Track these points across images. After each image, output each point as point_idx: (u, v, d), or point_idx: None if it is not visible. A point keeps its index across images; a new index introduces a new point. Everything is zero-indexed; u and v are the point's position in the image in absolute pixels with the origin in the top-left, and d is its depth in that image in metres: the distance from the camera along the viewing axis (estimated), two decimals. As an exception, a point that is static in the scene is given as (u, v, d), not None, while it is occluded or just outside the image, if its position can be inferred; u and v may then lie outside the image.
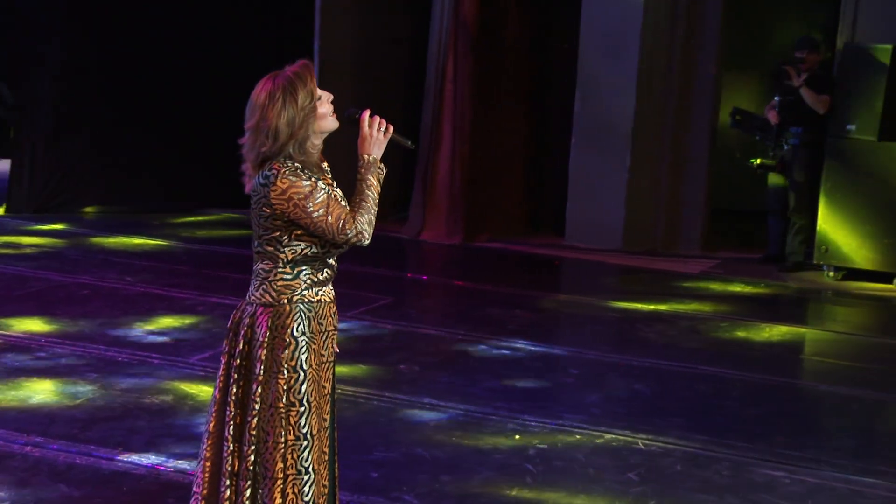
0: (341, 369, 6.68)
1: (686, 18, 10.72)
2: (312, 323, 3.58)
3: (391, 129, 3.70)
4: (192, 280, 8.70)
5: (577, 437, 5.88)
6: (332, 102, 3.66)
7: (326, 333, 3.64)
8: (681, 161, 10.92)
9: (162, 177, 11.41)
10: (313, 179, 3.50)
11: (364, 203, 3.57)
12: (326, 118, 3.63)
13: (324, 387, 3.62)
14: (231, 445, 3.56)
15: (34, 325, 7.26)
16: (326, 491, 3.67)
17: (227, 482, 3.56)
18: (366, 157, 3.65)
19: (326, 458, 3.66)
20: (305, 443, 3.52)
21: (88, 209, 11.22)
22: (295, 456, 3.51)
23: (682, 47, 10.73)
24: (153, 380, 6.34)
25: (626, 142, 10.74)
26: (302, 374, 3.52)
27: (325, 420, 3.64)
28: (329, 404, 3.66)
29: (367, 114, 3.68)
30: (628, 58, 10.63)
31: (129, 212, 11.18)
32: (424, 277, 9.58)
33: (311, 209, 3.46)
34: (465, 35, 10.73)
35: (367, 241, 3.57)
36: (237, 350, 3.58)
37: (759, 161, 10.25)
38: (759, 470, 5.56)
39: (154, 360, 6.68)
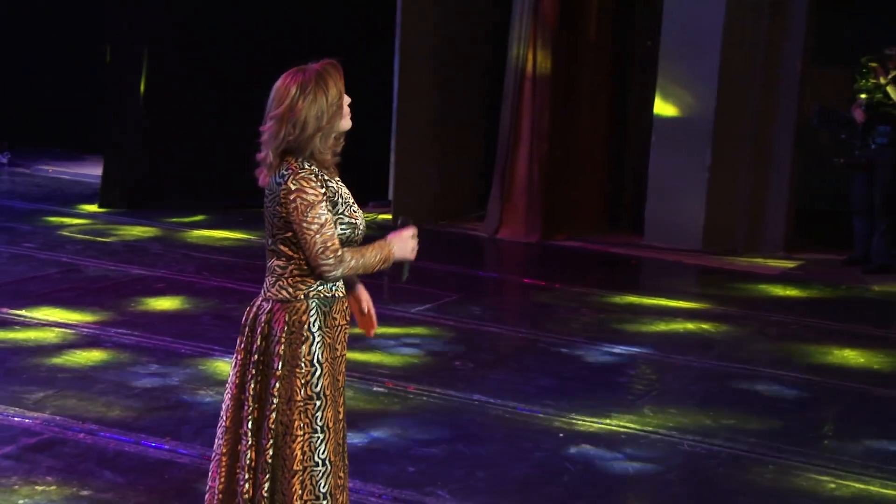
0: (397, 362, 6.83)
1: (770, 13, 10.54)
2: (328, 318, 3.63)
3: (412, 257, 3.74)
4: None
5: (623, 437, 5.86)
6: (349, 105, 3.68)
7: (340, 328, 3.69)
8: (764, 160, 10.74)
9: (249, 172, 11.63)
10: (321, 190, 3.53)
11: (364, 253, 3.60)
12: (346, 117, 3.67)
13: (337, 380, 3.68)
14: (249, 440, 3.62)
15: (105, 316, 7.50)
16: (343, 483, 3.73)
17: (246, 475, 3.62)
18: (391, 243, 3.67)
19: (342, 449, 3.73)
20: (322, 435, 3.58)
21: (179, 204, 11.50)
22: (312, 448, 3.57)
23: (765, 43, 10.55)
24: (211, 372, 6.51)
25: (706, 140, 10.61)
26: (319, 368, 3.59)
27: (339, 413, 3.70)
28: (342, 397, 3.74)
29: (414, 229, 3.74)
30: (710, 54, 10.49)
31: (217, 207, 11.45)
32: (495, 275, 9.61)
33: (308, 221, 3.49)
34: (544, 32, 10.72)
35: (331, 275, 3.56)
36: (254, 346, 3.64)
37: (844, 160, 10.05)
38: (806, 474, 5.48)
39: (215, 352, 6.85)
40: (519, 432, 5.87)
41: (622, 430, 5.94)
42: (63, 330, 7.14)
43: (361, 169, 12.08)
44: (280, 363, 3.58)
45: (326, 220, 3.51)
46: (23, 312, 7.43)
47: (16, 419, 5.61)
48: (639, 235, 11.03)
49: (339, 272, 3.54)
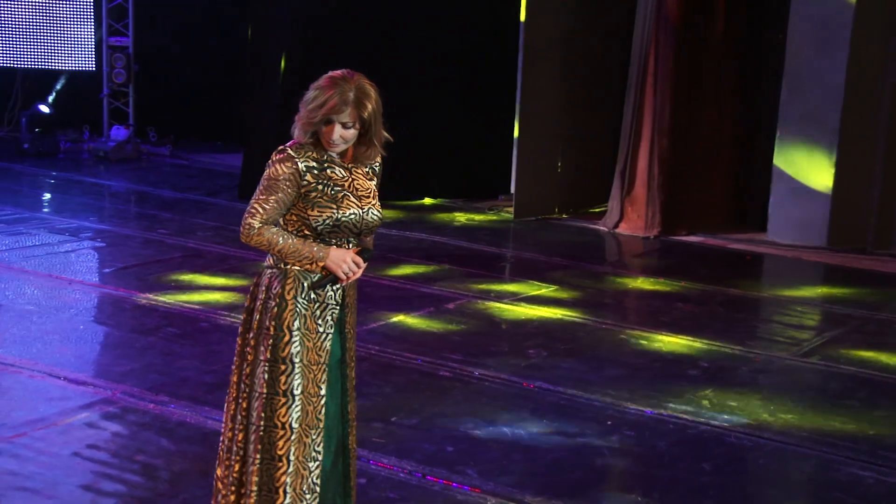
0: (472, 348, 7.04)
1: (902, 3, 10.25)
2: (306, 291, 3.82)
3: (341, 276, 3.80)
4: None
5: (671, 426, 5.92)
6: (356, 131, 3.77)
7: (325, 305, 3.87)
8: (894, 155, 10.43)
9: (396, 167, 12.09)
10: (288, 172, 3.71)
11: (293, 242, 3.74)
12: (329, 142, 3.77)
13: (319, 355, 3.86)
14: (233, 393, 3.95)
15: (212, 296, 7.98)
16: (317, 456, 3.88)
17: (230, 425, 3.95)
18: (328, 253, 3.77)
19: (321, 424, 3.89)
20: (285, 399, 3.79)
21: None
22: (272, 409, 3.79)
23: (897, 36, 10.26)
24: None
25: (833, 136, 10.39)
26: (287, 334, 3.78)
27: (319, 388, 3.87)
28: (327, 373, 3.87)
29: (360, 261, 3.82)
30: (838, 48, 10.28)
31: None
32: (601, 267, 9.68)
33: (260, 186, 3.75)
34: (666, 29, 10.71)
35: (241, 238, 3.78)
36: (245, 306, 3.95)
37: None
38: (847, 469, 5.43)
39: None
40: (568, 418, 6.00)
41: (673, 419, 6.00)
42: (170, 309, 7.65)
43: (488, 163, 12.42)
44: (256, 323, 3.84)
45: (272, 195, 3.71)
46: (143, 294, 7.99)
47: (100, 388, 6.10)
48: (763, 232, 10.89)
49: (246, 239, 3.77)
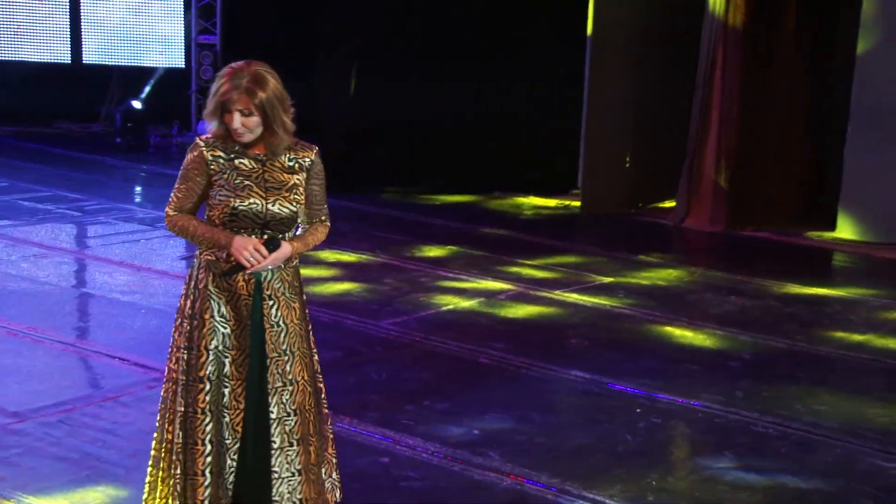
0: (516, 336, 7.19)
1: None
2: (217, 279, 3.85)
3: (243, 262, 3.78)
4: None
5: (699, 415, 6.00)
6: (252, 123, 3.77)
7: (237, 296, 3.86)
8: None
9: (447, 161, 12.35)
10: (195, 159, 3.80)
11: (204, 228, 3.82)
12: (233, 130, 3.77)
13: (240, 342, 3.85)
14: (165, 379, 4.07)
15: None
16: (235, 437, 3.86)
17: (161, 410, 4.07)
18: (232, 240, 3.77)
19: (240, 406, 3.86)
20: (201, 386, 3.84)
21: (389, 189, 12.29)
22: (191, 396, 3.86)
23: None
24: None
25: (906, 130, 10.27)
26: (202, 322, 3.85)
27: (239, 372, 3.85)
28: (248, 362, 3.84)
29: (262, 247, 3.78)
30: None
31: (420, 192, 12.16)
32: (659, 261, 9.71)
33: (178, 176, 3.90)
34: (734, 23, 10.68)
35: (166, 227, 3.92)
36: None
37: None
38: (870, 460, 5.45)
39: (346, 321, 7.45)
40: (598, 406, 6.12)
41: (703, 409, 6.07)
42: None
43: (558, 157, 12.52)
44: (179, 312, 3.97)
45: (182, 183, 3.84)
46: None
47: (156, 367, 6.41)
48: (832, 228, 10.79)
49: (168, 227, 3.91)
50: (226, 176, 3.81)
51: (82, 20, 15.46)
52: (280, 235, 3.87)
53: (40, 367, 6.35)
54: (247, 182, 3.83)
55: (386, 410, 5.90)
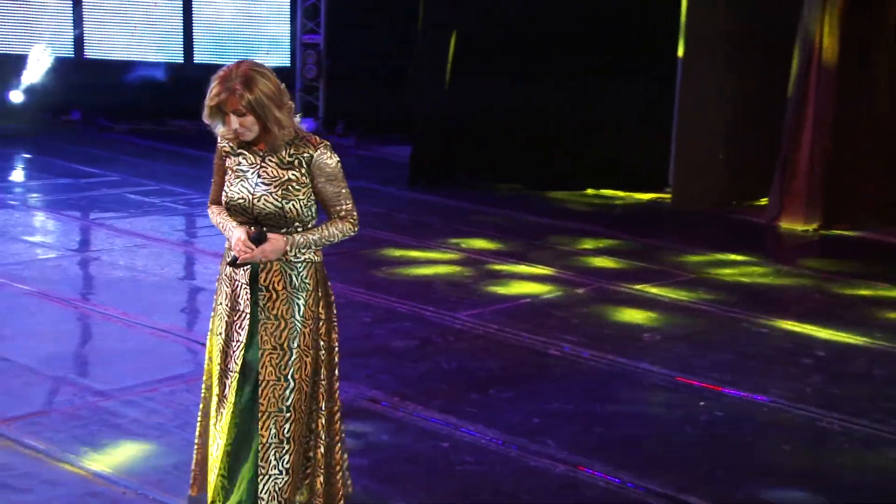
0: (589, 329, 7.28)
1: None
2: (227, 268, 4.03)
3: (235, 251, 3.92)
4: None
5: (764, 410, 6.01)
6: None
7: (238, 283, 4.01)
8: None
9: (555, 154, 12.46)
10: (217, 150, 4.03)
11: (223, 218, 3.99)
12: (233, 132, 3.89)
13: (239, 332, 3.99)
14: None
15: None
16: (221, 418, 4.02)
17: None
18: (233, 230, 3.93)
19: (232, 392, 4.00)
20: (208, 361, 4.15)
21: (480, 186, 12.44)
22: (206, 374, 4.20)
23: None
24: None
25: None
26: (214, 308, 4.11)
27: (236, 364, 3.98)
28: (243, 352, 3.96)
29: (245, 237, 3.89)
30: None
31: (513, 186, 12.31)
32: (744, 258, 9.64)
33: None
34: (832, 19, 10.55)
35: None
36: None
37: None
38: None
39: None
40: (662, 399, 6.18)
41: (769, 404, 6.08)
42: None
43: (650, 154, 12.51)
44: None
45: (213, 177, 4.09)
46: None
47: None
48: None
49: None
50: (233, 169, 3.96)
51: (194, 22, 15.97)
52: (283, 230, 3.92)
53: (129, 349, 6.68)
54: (244, 176, 3.93)
55: (451, 398, 6.06)
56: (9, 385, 5.99)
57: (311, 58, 15.35)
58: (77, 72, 15.87)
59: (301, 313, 3.98)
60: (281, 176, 3.91)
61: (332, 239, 4.02)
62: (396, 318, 7.49)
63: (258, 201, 3.90)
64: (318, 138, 3.99)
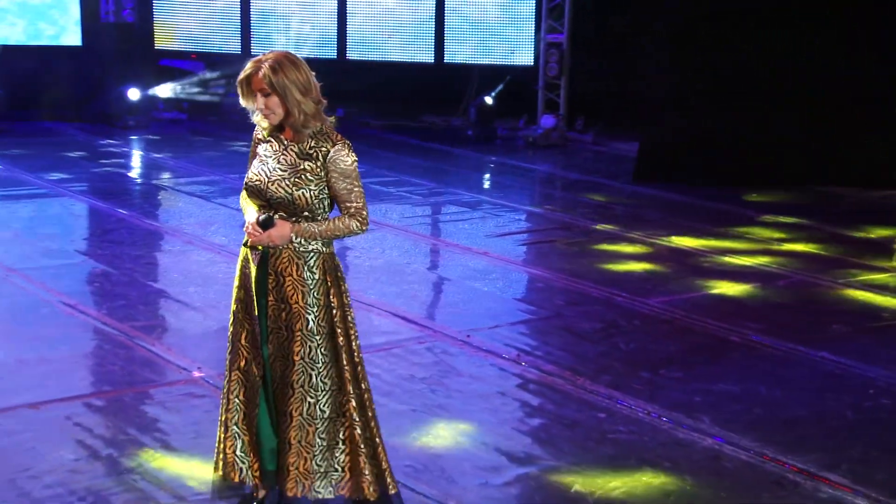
0: (774, 321, 7.38)
1: None
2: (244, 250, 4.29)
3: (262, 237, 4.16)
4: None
5: (935, 401, 5.99)
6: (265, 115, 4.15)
7: (251, 265, 4.24)
8: None
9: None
10: (252, 140, 4.30)
11: (243, 202, 4.29)
12: (259, 111, 4.17)
13: (247, 312, 4.27)
14: None
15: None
16: (238, 394, 4.30)
17: None
18: (248, 214, 4.23)
19: (249, 369, 4.28)
20: (229, 344, 4.37)
21: (704, 182, 12.49)
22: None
23: None
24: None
25: None
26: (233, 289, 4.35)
27: (248, 342, 4.26)
28: (259, 330, 4.23)
29: (254, 222, 4.16)
30: None
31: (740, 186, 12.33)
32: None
33: None
34: None
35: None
36: None
37: None
38: None
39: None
40: (831, 386, 6.27)
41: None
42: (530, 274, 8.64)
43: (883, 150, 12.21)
44: None
45: (249, 162, 4.32)
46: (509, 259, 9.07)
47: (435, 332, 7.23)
48: None
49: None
50: (260, 155, 4.25)
51: (445, 24, 16.74)
52: (294, 218, 4.15)
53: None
54: (266, 161, 4.21)
55: (621, 376, 6.37)
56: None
57: (553, 56, 15.79)
58: (340, 72, 17.02)
59: (304, 300, 4.18)
60: (297, 165, 4.16)
61: (336, 233, 4.21)
62: (588, 302, 7.84)
63: (272, 185, 4.16)
64: (339, 136, 4.21)
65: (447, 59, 16.90)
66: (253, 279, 4.22)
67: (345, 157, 4.17)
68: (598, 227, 10.22)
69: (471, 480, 4.99)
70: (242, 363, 4.28)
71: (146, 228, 9.63)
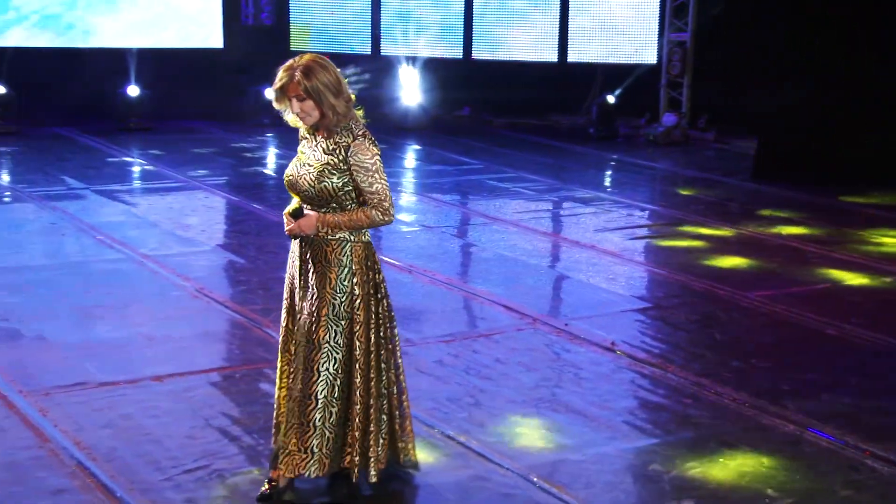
0: (877, 315, 7.47)
1: None
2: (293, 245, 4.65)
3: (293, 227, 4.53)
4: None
5: None
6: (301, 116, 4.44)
7: (294, 255, 4.62)
8: None
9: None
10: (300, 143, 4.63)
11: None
12: (296, 115, 4.47)
13: (291, 300, 4.65)
14: None
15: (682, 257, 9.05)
16: (281, 382, 4.71)
17: None
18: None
19: (291, 349, 4.64)
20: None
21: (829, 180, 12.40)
22: None
23: None
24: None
25: None
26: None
27: (293, 322, 4.64)
28: (293, 323, 4.63)
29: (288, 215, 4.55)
30: None
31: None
32: None
33: None
34: None
35: None
36: None
37: None
38: None
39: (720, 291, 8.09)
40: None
41: None
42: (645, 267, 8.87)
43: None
44: None
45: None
46: (609, 251, 9.29)
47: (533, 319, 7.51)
48: None
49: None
50: (299, 150, 4.59)
51: (570, 23, 16.94)
52: (323, 209, 4.47)
53: (434, 306, 7.67)
54: (300, 157, 4.55)
55: (711, 364, 6.57)
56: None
57: (676, 55, 15.86)
58: (466, 71, 17.39)
59: (332, 286, 4.48)
60: (322, 159, 4.46)
61: (359, 223, 4.48)
62: (688, 295, 8.03)
63: (300, 179, 4.49)
64: (363, 130, 4.47)
65: (571, 58, 17.11)
66: (296, 268, 4.58)
67: (364, 151, 4.42)
68: (708, 223, 10.35)
69: (549, 456, 5.27)
70: (292, 347, 4.63)
71: (273, 220, 10.14)
